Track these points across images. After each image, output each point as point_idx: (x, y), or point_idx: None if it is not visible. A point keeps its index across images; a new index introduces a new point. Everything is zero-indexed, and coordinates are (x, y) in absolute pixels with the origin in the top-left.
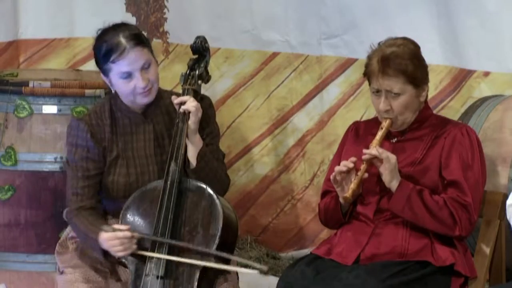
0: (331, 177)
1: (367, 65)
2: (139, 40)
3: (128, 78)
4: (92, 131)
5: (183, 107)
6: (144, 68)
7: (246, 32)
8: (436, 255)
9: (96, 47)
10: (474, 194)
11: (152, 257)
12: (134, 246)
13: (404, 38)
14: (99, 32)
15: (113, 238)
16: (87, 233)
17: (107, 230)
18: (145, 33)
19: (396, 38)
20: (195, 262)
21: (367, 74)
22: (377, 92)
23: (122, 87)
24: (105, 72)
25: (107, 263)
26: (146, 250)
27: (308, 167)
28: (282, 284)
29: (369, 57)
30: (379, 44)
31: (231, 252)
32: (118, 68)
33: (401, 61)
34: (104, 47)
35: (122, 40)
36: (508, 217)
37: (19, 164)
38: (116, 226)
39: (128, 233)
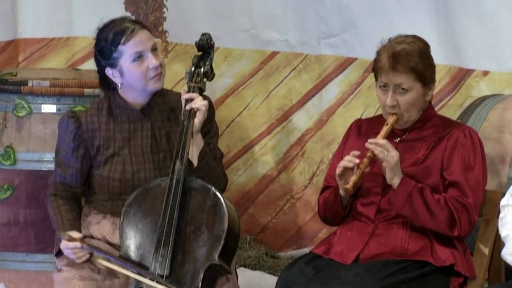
0: (337, 171)
1: (376, 61)
2: (143, 25)
3: (139, 60)
4: (81, 129)
5: (192, 105)
6: (154, 49)
7: (245, 31)
8: (436, 255)
9: (102, 38)
10: (475, 195)
11: (157, 257)
12: (87, 255)
13: (414, 36)
14: (100, 26)
15: (66, 247)
16: (54, 225)
17: (63, 238)
18: None
19: (407, 36)
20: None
21: (376, 70)
22: (384, 86)
23: (134, 71)
24: (115, 61)
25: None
26: (149, 252)
27: (307, 166)
28: (281, 283)
29: (379, 53)
30: (389, 40)
31: (234, 253)
32: (129, 49)
33: (411, 59)
34: (112, 33)
35: (129, 24)
36: (500, 217)
37: (18, 164)
38: (71, 233)
39: (78, 244)
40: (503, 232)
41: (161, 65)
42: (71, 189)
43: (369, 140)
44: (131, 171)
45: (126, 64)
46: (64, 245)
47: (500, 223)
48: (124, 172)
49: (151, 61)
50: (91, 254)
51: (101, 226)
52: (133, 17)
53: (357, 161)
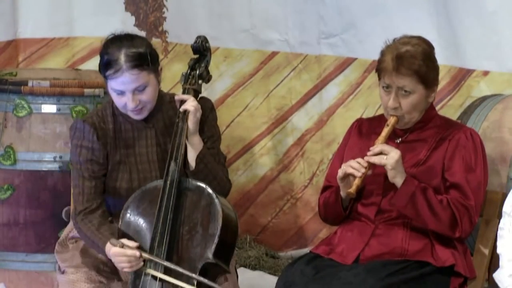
0: (339, 174)
1: (380, 61)
2: (140, 61)
3: (120, 95)
4: (97, 132)
5: (182, 106)
6: (138, 90)
7: (245, 31)
8: (436, 255)
9: (100, 54)
10: (476, 197)
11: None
12: (141, 264)
13: (419, 38)
14: (109, 37)
15: (121, 255)
16: (93, 240)
17: (115, 244)
18: (143, 33)
19: (412, 37)
20: (186, 286)
21: (379, 70)
22: (387, 87)
23: (115, 99)
24: (105, 80)
25: (109, 263)
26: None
27: (307, 167)
28: (281, 283)
29: (383, 53)
30: (394, 40)
31: (231, 252)
32: (111, 84)
33: (414, 61)
34: (104, 59)
35: (122, 58)
36: (499, 226)
37: (18, 164)
38: (125, 241)
39: (137, 253)
40: (498, 246)
41: (142, 103)
42: (100, 197)
43: (365, 157)
44: (138, 179)
45: (109, 90)
46: (119, 252)
47: (499, 232)
48: (131, 181)
49: (129, 102)
50: (143, 263)
51: None
52: (144, 39)
53: (363, 170)
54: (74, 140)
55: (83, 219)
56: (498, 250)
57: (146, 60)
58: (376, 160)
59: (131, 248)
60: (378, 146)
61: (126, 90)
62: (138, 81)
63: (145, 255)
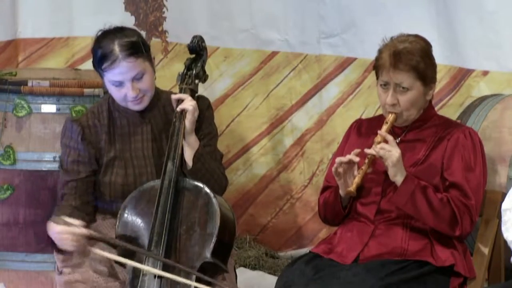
0: (333, 168)
1: (377, 59)
2: (135, 49)
3: (119, 86)
4: (85, 132)
5: (180, 106)
6: (136, 78)
7: (245, 31)
8: (436, 255)
9: (93, 50)
10: (476, 196)
11: (149, 257)
12: (86, 246)
13: (416, 36)
14: (98, 33)
15: (67, 232)
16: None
17: (58, 222)
18: (143, 33)
19: (409, 35)
20: (184, 280)
21: (377, 68)
22: (385, 85)
23: (114, 93)
24: (100, 75)
25: (107, 263)
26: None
27: (307, 166)
28: (281, 283)
29: (380, 51)
30: (391, 38)
31: (228, 251)
32: (109, 76)
33: (412, 57)
34: (99, 53)
35: (116, 48)
36: (503, 221)
37: (18, 163)
38: (67, 219)
39: (85, 231)
40: (509, 237)
41: (142, 91)
42: (81, 197)
43: (367, 150)
44: (133, 175)
45: (107, 84)
46: (64, 230)
47: (503, 227)
48: (126, 176)
49: (128, 91)
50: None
51: (100, 227)
52: (133, 29)
53: (357, 159)
54: (63, 140)
55: (58, 207)
56: (509, 238)
57: (140, 48)
58: (380, 152)
59: (77, 227)
60: (380, 143)
61: (124, 80)
62: (135, 68)
63: (93, 233)
